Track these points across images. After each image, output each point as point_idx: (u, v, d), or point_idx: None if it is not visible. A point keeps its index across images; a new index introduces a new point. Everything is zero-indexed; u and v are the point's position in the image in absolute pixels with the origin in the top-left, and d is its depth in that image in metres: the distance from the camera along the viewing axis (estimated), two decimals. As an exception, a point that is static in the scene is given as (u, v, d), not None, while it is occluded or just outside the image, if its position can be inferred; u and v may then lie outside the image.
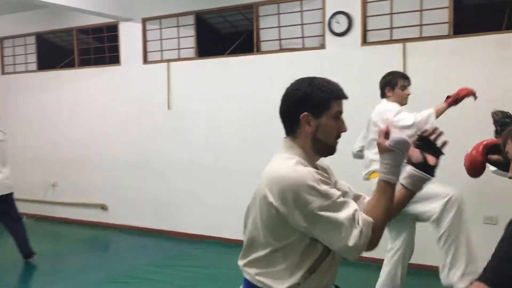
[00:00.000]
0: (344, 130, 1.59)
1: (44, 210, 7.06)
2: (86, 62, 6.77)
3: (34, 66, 7.21)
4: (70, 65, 6.88)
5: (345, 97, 1.59)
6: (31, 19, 7.07)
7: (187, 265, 4.80)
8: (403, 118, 3.20)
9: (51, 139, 6.98)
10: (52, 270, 4.88)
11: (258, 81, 5.35)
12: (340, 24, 4.87)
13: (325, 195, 1.44)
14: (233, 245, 5.44)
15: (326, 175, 1.58)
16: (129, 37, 6.27)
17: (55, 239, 5.99)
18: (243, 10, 5.61)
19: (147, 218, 6.22)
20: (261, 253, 1.55)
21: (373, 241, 1.46)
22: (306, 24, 5.15)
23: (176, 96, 5.97)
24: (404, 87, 3.46)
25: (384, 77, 3.54)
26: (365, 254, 1.51)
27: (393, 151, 1.50)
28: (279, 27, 5.30)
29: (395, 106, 3.38)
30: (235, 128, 5.52)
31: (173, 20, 5.95)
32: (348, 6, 4.83)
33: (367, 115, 3.54)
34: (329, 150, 1.60)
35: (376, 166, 3.25)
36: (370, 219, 1.45)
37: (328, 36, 4.95)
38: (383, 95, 3.54)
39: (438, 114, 3.30)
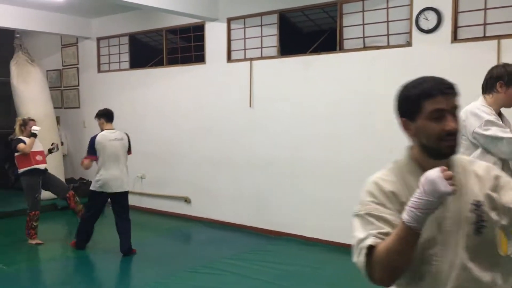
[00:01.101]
0: (449, 129, 1.41)
1: (132, 201, 7.38)
2: (173, 60, 7.09)
3: (126, 65, 7.67)
4: (159, 63, 7.25)
5: (443, 93, 1.44)
6: (125, 21, 7.53)
7: (266, 260, 4.89)
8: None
9: (140, 134, 7.36)
10: (138, 258, 5.18)
11: (341, 79, 5.30)
12: (429, 21, 4.69)
13: (361, 203, 1.49)
14: (311, 243, 5.47)
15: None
16: (214, 37, 6.48)
17: (141, 228, 6.34)
18: (327, 8, 5.59)
19: (227, 213, 6.41)
20: None
21: (374, 276, 1.39)
22: (392, 21, 5.02)
23: (257, 94, 6.08)
24: None
25: (498, 68, 2.82)
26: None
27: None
28: (363, 24, 5.21)
29: (488, 110, 2.73)
30: (316, 126, 5.52)
31: (257, 19, 6.06)
32: (437, 1, 4.64)
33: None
34: (436, 152, 1.44)
35: None
36: (365, 248, 1.38)
37: (415, 33, 4.79)
38: (487, 90, 2.80)
39: None
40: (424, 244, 1.40)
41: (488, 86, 2.79)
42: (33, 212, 5.51)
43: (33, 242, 5.52)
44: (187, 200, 6.89)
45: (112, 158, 5.13)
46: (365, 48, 5.21)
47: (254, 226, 6.11)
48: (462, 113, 2.75)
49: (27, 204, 5.57)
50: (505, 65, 2.82)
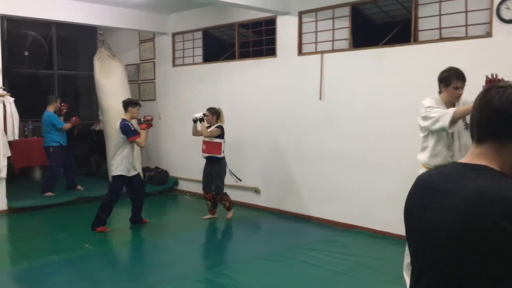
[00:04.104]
0: None
1: (204, 189, 7.81)
2: (245, 54, 7.27)
3: (200, 59, 7.96)
4: (231, 57, 7.45)
5: None
6: (199, 16, 7.80)
7: (336, 251, 4.94)
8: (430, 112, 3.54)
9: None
10: (210, 244, 5.42)
11: (415, 72, 5.20)
12: (511, 10, 4.50)
13: None
14: (380, 236, 5.45)
15: None
16: (285, 30, 6.57)
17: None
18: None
19: (296, 204, 6.51)
20: None
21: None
22: (470, 11, 4.86)
23: (328, 87, 6.11)
24: (457, 88, 3.55)
25: (442, 72, 3.66)
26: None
27: None
28: (440, 15, 5.09)
29: (431, 100, 3.63)
30: (389, 120, 5.46)
31: (329, 12, 6.07)
32: (521, -10, 4.44)
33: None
34: None
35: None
36: None
37: (496, 23, 4.61)
38: (439, 90, 3.70)
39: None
40: None
41: (439, 86, 3.69)
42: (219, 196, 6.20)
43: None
44: (256, 191, 7.07)
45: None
46: (441, 39, 5.08)
47: (322, 217, 6.17)
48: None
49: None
50: (448, 69, 3.61)
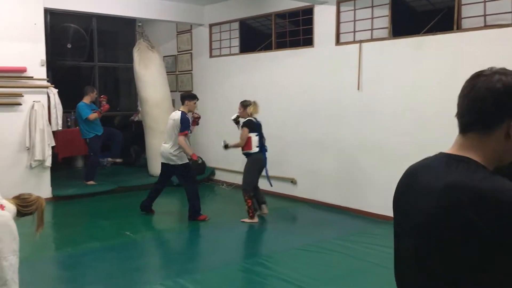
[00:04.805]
0: None
1: (240, 180, 7.84)
2: (282, 44, 7.24)
3: (236, 50, 7.98)
4: (268, 47, 7.44)
5: None
6: (236, 7, 7.81)
7: (374, 243, 4.88)
8: None
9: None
10: (248, 233, 5.46)
11: (459, 61, 5.05)
12: (563, -5, 4.30)
13: None
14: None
15: None
16: (323, 20, 6.49)
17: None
18: (444, -14, 5.34)
19: (333, 195, 6.47)
20: None
21: None
22: (518, -3, 4.67)
23: (366, 77, 6.01)
24: None
25: None
26: None
27: None
28: (484, 1, 4.91)
29: None
30: (429, 111, 5.33)
31: (367, 0, 5.95)
32: None
33: None
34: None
35: None
36: None
37: (546, 9, 4.42)
38: None
39: None
40: None
41: None
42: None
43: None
44: (293, 182, 7.06)
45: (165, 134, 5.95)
46: (486, 26, 4.90)
47: (359, 209, 6.11)
48: None
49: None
50: None
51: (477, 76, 1.25)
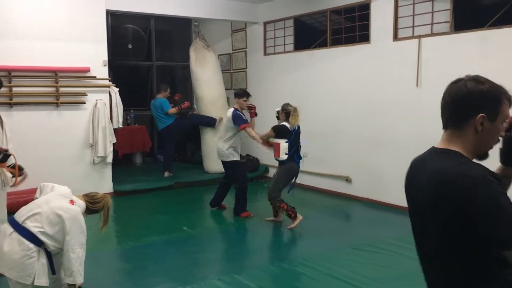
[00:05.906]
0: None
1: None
2: (337, 41, 7.15)
3: (291, 47, 7.96)
4: (323, 44, 7.37)
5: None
6: (290, 4, 7.79)
7: (433, 244, 4.73)
8: None
9: (302, 114, 7.56)
10: (301, 230, 5.44)
11: (526, 55, 4.80)
12: None
13: None
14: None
15: None
16: (380, 15, 6.35)
17: (302, 204, 6.55)
18: (511, -23, 5.08)
19: (389, 194, 6.32)
20: None
21: None
22: None
23: (425, 73, 5.83)
24: None
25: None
26: None
27: None
28: (556, -8, 4.63)
29: None
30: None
31: (428, -6, 5.78)
32: None
33: None
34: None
35: None
36: None
37: None
38: None
39: None
40: None
41: None
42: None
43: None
44: (347, 180, 6.97)
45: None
46: (557, 18, 4.63)
47: (418, 209, 5.93)
48: None
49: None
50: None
51: (455, 82, 1.54)
